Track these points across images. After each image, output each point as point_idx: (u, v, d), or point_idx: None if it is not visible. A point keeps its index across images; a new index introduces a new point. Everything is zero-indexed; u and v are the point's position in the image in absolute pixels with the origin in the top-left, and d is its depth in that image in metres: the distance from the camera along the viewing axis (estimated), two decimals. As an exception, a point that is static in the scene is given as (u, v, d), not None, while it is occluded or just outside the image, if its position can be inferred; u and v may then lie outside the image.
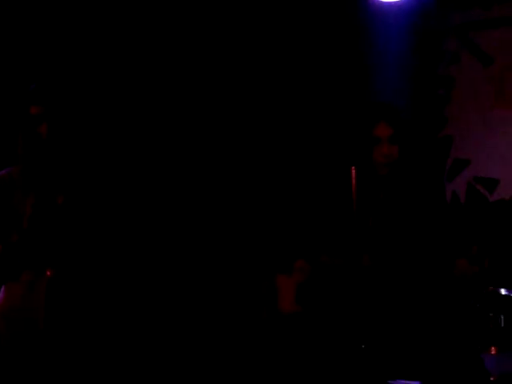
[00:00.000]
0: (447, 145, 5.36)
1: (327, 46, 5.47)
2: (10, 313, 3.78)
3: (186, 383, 5.02)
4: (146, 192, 5.22)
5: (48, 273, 3.74)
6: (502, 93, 5.22)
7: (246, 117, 5.49)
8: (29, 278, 3.76)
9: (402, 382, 3.77)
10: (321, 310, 4.22)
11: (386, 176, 4.07)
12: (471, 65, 5.34)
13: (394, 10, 5.17)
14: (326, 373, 4.15)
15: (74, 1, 5.08)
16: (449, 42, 5.45)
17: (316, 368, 4.27)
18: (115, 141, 5.12)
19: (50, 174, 3.79)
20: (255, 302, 4.97)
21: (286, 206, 5.31)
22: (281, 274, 4.33)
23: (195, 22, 5.39)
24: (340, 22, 5.42)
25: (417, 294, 4.01)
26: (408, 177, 4.17)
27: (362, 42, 5.41)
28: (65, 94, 3.85)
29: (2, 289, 3.84)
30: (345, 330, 3.99)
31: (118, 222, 4.64)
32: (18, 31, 4.96)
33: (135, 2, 5.25)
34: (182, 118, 5.41)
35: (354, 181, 3.66)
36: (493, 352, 3.97)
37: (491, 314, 4.05)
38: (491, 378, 3.84)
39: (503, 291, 4.09)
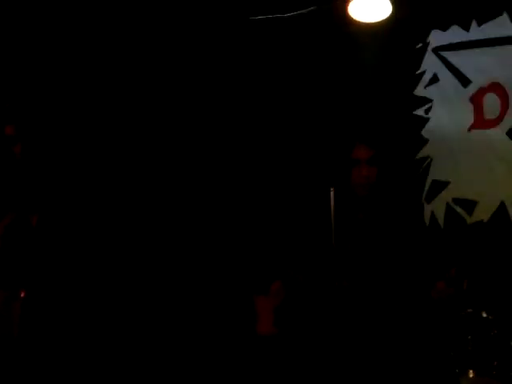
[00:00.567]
0: (426, 166, 5.35)
1: (305, 66, 5.47)
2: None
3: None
4: (122, 215, 5.18)
5: (22, 293, 3.71)
6: (480, 113, 5.22)
7: (226, 137, 5.48)
8: (2, 298, 3.72)
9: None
10: (298, 332, 4.19)
11: (364, 197, 4.06)
12: (450, 85, 5.35)
13: (373, 30, 5.17)
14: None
15: (52, 22, 5.03)
16: (427, 62, 5.45)
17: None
18: (92, 160, 5.08)
19: (24, 194, 3.75)
20: (234, 324, 4.95)
21: (265, 226, 5.29)
22: (258, 295, 4.30)
23: (188, 28, 5.37)
24: (318, 42, 5.42)
25: (394, 315, 3.99)
26: (387, 198, 4.17)
27: (340, 62, 5.41)
28: (39, 113, 3.82)
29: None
30: (322, 352, 3.97)
31: (94, 242, 4.61)
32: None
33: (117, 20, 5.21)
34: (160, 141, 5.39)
35: (332, 202, 3.67)
36: (471, 375, 3.96)
37: (469, 337, 4.05)
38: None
39: (482, 313, 4.09)
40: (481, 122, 5.21)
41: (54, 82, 4.94)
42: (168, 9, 5.28)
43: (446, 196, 5.28)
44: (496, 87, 5.16)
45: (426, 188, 5.35)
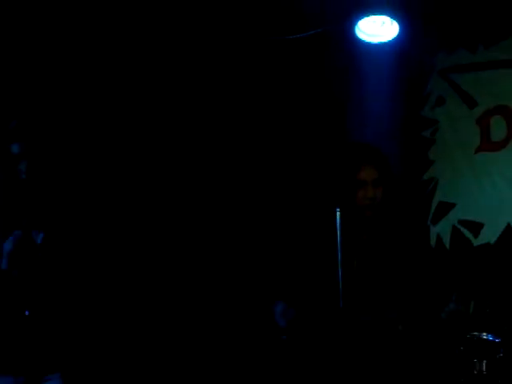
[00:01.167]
0: (432, 187, 5.35)
1: (311, 88, 5.49)
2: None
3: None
4: (125, 231, 5.19)
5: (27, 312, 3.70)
6: (486, 135, 5.22)
7: (229, 154, 5.49)
8: (7, 318, 3.71)
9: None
10: (303, 359, 4.16)
11: (370, 218, 4.05)
12: (456, 107, 5.35)
13: (379, 52, 5.18)
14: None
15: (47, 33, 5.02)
16: (434, 84, 5.46)
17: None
18: (96, 179, 5.10)
19: (29, 213, 3.75)
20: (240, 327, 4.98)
21: (270, 248, 5.29)
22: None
23: (183, 32, 5.38)
24: (325, 64, 5.43)
25: (400, 337, 3.97)
26: (392, 219, 4.15)
27: (347, 83, 5.42)
28: (45, 131, 3.82)
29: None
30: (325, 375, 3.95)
31: (100, 261, 4.61)
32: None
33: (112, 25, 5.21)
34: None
35: (338, 223, 3.66)
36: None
37: (475, 360, 4.02)
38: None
39: (487, 336, 4.07)
40: (487, 144, 5.21)
41: (59, 97, 4.97)
42: (174, 21, 5.29)
43: (452, 218, 5.27)
44: (502, 109, 5.17)
45: (432, 210, 5.34)
